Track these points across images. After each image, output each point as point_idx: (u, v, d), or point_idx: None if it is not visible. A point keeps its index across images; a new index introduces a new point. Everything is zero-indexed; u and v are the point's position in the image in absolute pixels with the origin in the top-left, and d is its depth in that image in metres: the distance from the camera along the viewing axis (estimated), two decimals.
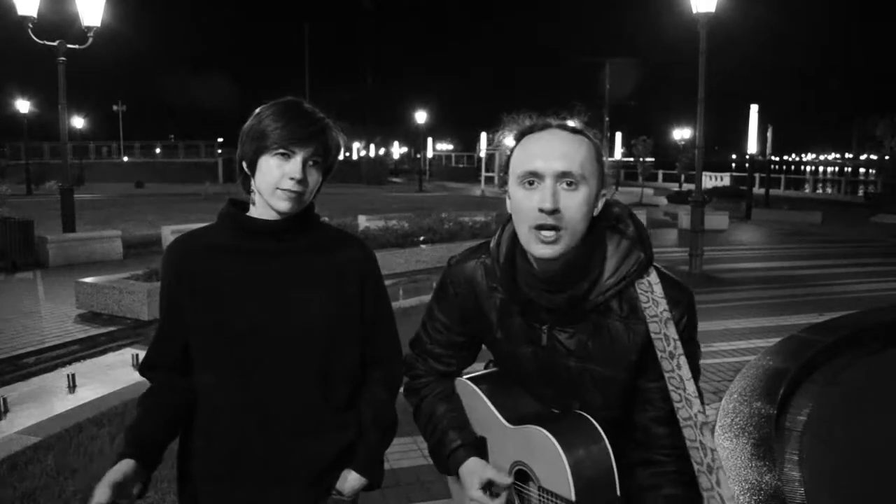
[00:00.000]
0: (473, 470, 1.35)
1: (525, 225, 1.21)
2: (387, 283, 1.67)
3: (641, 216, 17.81)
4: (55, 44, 11.23)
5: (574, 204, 1.19)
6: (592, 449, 1.21)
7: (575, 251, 1.23)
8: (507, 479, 1.30)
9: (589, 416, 1.26)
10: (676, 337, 1.21)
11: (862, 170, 49.51)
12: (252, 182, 1.45)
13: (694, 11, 9.55)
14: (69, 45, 11.34)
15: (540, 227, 1.19)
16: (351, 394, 1.55)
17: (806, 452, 4.02)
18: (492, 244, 1.39)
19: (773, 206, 22.88)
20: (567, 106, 1.31)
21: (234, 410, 1.45)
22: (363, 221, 13.14)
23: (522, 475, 1.33)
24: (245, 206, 1.50)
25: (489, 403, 1.42)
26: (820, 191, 38.52)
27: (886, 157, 29.55)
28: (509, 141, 1.30)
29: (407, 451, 3.72)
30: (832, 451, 4.15)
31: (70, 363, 5.81)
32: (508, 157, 1.28)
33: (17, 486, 3.32)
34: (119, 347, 6.30)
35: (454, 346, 1.50)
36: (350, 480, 1.52)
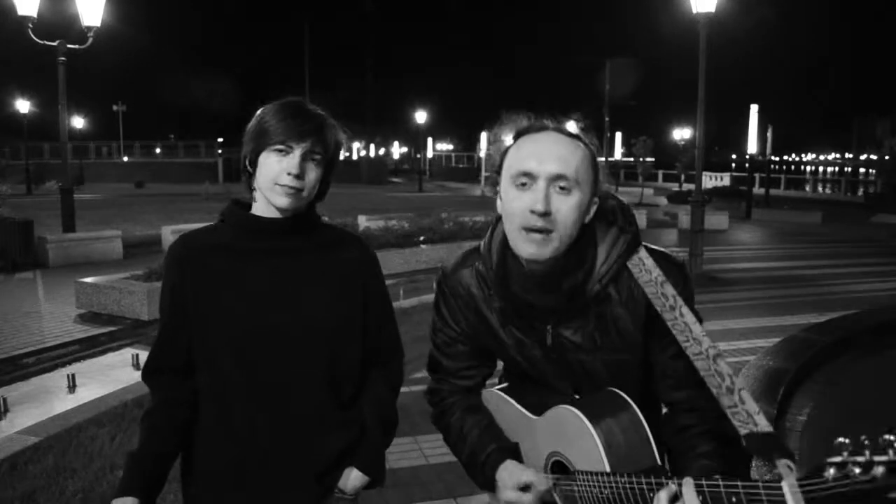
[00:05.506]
0: (509, 471, 1.32)
1: (514, 225, 1.21)
2: (387, 282, 1.68)
3: (641, 216, 17.92)
4: (55, 44, 11.22)
5: (566, 208, 1.19)
6: (621, 417, 1.17)
7: (566, 252, 1.23)
8: (545, 483, 1.28)
9: (614, 389, 1.23)
10: (674, 293, 1.20)
11: (862, 170, 49.48)
12: (254, 180, 1.46)
13: (694, 11, 9.56)
14: (69, 45, 11.33)
15: (529, 229, 1.19)
16: (354, 392, 1.56)
17: (806, 452, 4.02)
18: (482, 248, 1.37)
19: (773, 206, 22.89)
20: (566, 111, 1.32)
21: (241, 410, 1.45)
22: (363, 221, 13.14)
23: (560, 467, 1.28)
24: (248, 206, 1.51)
25: (515, 404, 1.39)
26: (820, 191, 38.53)
27: (886, 157, 29.54)
28: (507, 140, 1.29)
29: (407, 451, 3.72)
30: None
31: (70, 363, 5.81)
32: (503, 156, 1.27)
33: (17, 486, 3.32)
34: (119, 347, 6.30)
35: (468, 357, 1.46)
36: (353, 479, 1.53)
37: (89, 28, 11.20)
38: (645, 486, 1.07)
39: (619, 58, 29.04)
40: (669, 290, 1.20)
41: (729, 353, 5.89)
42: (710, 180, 35.42)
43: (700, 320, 1.20)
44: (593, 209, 1.25)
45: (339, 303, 1.51)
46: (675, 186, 34.47)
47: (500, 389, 1.47)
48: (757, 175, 25.22)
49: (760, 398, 4.44)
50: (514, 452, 1.38)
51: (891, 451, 0.78)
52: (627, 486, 1.09)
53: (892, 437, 0.80)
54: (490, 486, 1.37)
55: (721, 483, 0.97)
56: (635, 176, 33.90)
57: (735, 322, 7.07)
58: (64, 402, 4.76)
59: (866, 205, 26.70)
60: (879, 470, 0.78)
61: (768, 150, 26.23)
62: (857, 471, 0.79)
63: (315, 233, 1.53)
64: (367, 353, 1.57)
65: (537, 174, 1.18)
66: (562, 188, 1.19)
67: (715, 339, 1.15)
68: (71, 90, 11.76)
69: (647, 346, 1.27)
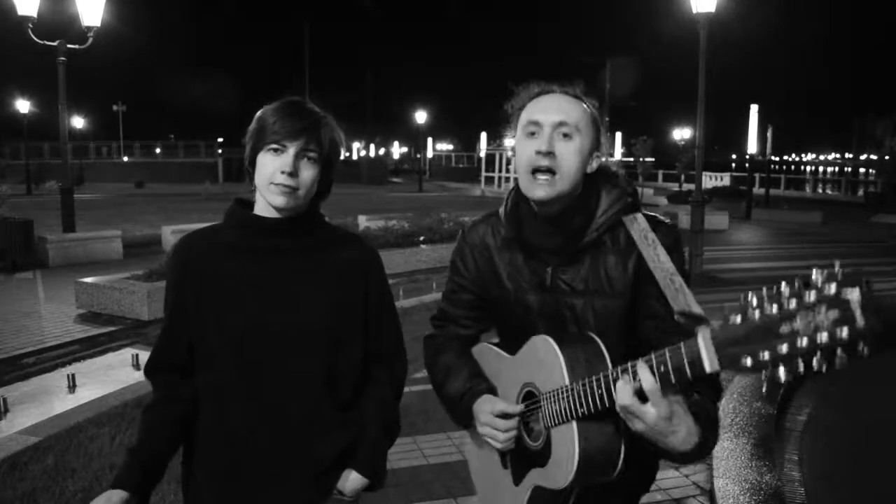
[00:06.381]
0: (487, 401, 1.47)
1: (524, 169, 1.39)
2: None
3: None
4: (55, 44, 11.23)
5: (567, 151, 1.37)
6: (588, 348, 1.31)
7: (572, 198, 1.41)
8: (517, 407, 1.41)
9: (589, 332, 1.37)
10: (655, 238, 1.38)
11: (862, 170, 49.45)
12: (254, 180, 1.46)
13: (694, 11, 9.56)
14: (69, 45, 11.34)
15: (536, 170, 1.36)
16: (354, 393, 1.55)
17: (806, 452, 4.02)
18: (500, 210, 1.56)
19: (773, 206, 22.88)
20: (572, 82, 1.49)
21: (240, 409, 1.45)
22: (363, 221, 13.15)
23: (530, 397, 1.41)
24: (251, 205, 1.52)
25: (496, 348, 1.57)
26: (820, 191, 38.50)
27: (886, 157, 29.52)
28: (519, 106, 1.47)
29: (407, 452, 3.73)
30: (832, 451, 4.15)
31: (70, 363, 5.81)
32: (517, 117, 1.45)
33: (17, 486, 3.32)
34: (119, 347, 6.30)
35: (470, 306, 1.63)
36: (351, 480, 1.52)
37: (89, 28, 11.21)
38: (595, 384, 1.20)
39: (619, 58, 29.08)
40: (651, 235, 1.39)
41: None
42: (709, 180, 35.40)
43: (685, 273, 1.35)
44: (595, 163, 1.43)
45: (340, 303, 1.51)
46: (675, 186, 34.46)
47: (489, 342, 1.63)
48: (757, 175, 25.22)
49: (760, 398, 4.45)
50: (492, 392, 1.52)
51: (783, 301, 0.93)
52: (582, 388, 1.23)
53: (781, 289, 0.94)
54: (467, 420, 1.52)
55: (663, 352, 1.10)
56: (635, 176, 33.94)
57: None
58: (64, 402, 4.76)
59: (866, 205, 26.67)
60: (774, 310, 0.94)
61: (768, 150, 26.22)
62: (756, 315, 0.96)
63: (316, 232, 1.53)
64: (369, 353, 1.57)
65: (543, 122, 1.38)
66: (564, 134, 1.37)
67: None
68: (71, 90, 11.78)
69: (635, 291, 1.41)
